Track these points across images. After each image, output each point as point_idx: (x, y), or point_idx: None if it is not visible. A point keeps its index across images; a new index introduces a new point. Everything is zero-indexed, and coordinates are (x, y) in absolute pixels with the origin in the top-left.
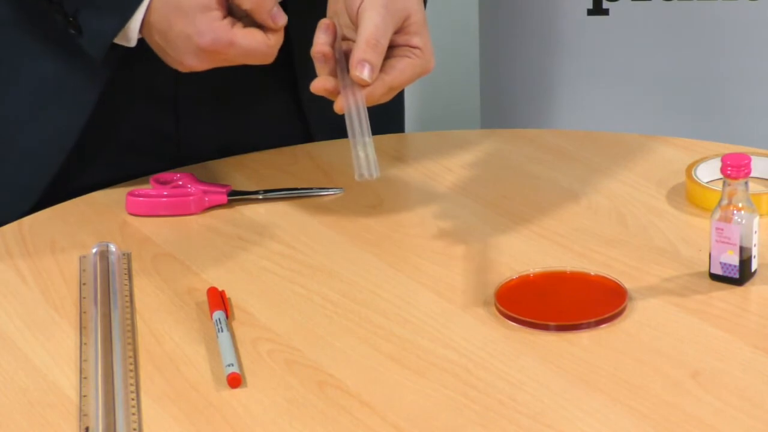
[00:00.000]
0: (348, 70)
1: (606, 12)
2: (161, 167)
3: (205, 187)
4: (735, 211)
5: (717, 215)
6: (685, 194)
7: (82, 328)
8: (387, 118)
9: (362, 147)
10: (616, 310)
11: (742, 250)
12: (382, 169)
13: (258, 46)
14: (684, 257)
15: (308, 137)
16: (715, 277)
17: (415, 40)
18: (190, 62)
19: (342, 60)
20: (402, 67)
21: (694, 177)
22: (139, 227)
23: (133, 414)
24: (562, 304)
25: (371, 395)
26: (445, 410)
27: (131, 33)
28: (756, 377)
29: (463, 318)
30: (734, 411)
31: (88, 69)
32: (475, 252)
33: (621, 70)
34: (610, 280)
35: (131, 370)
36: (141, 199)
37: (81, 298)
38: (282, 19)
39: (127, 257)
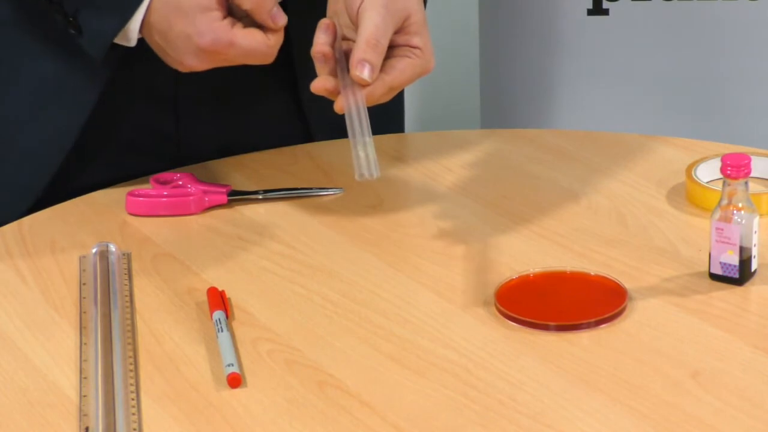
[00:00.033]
0: (348, 70)
1: (606, 12)
2: (161, 167)
3: (205, 187)
4: (735, 211)
5: (717, 215)
6: (685, 194)
7: (82, 328)
8: (387, 118)
9: (362, 147)
10: (616, 310)
11: (742, 250)
12: (382, 169)
13: (258, 46)
14: (684, 257)
15: (308, 137)
16: (715, 277)
17: (415, 40)
18: (190, 62)
19: (342, 60)
20: (402, 67)
21: (694, 177)
22: (139, 227)
23: (133, 414)
24: (562, 304)
25: (371, 395)
26: (445, 410)
27: (131, 33)
28: (756, 377)
29: (463, 318)
30: (734, 411)
31: (88, 69)
32: (475, 252)
33: (621, 70)
34: (610, 280)
35: (131, 370)
36: (141, 199)
37: (81, 298)
38: (282, 19)
39: (127, 257)
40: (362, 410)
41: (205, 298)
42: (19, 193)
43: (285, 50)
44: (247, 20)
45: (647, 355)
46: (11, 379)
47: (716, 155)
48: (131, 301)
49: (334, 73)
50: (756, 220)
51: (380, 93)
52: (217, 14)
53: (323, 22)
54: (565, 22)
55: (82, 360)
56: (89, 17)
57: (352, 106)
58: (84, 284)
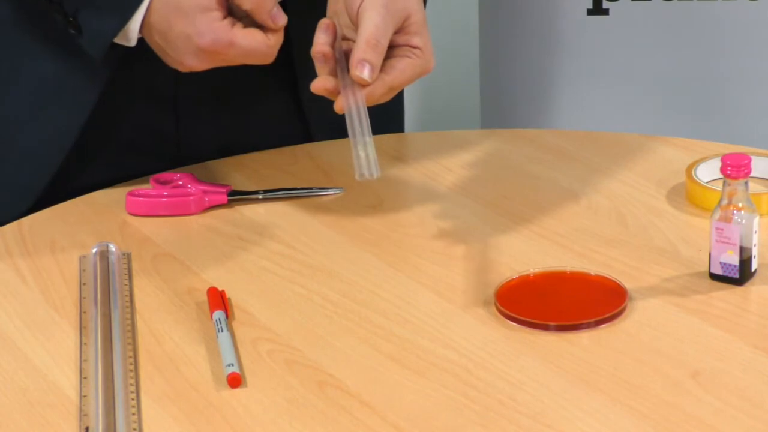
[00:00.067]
0: (348, 70)
1: (606, 12)
2: (161, 167)
3: (205, 187)
4: (735, 211)
5: (717, 215)
6: (685, 194)
7: (82, 328)
8: (387, 118)
9: (362, 147)
10: (616, 310)
11: (742, 250)
12: (382, 169)
13: (258, 46)
14: (684, 257)
15: (308, 137)
16: (715, 277)
17: (415, 40)
18: (190, 62)
19: (342, 60)
20: (402, 67)
21: (694, 177)
22: (139, 227)
23: (133, 414)
24: (562, 304)
25: (371, 395)
26: (445, 410)
27: (131, 33)
28: (756, 377)
29: (463, 318)
30: (734, 411)
31: (88, 69)
32: (475, 252)
33: (621, 70)
34: (610, 280)
35: (131, 370)
36: (141, 199)
37: (81, 298)
38: (282, 19)
39: (127, 257)
40: (362, 410)
41: (205, 298)
42: (19, 193)
43: (285, 50)
44: (247, 20)
45: (647, 355)
46: (11, 379)
47: (716, 155)
48: (131, 301)
49: (334, 73)
50: (756, 220)
51: (380, 93)
52: (217, 14)
53: (323, 22)
54: (565, 22)
55: (82, 360)
56: (89, 17)
57: (352, 106)
58: (84, 284)
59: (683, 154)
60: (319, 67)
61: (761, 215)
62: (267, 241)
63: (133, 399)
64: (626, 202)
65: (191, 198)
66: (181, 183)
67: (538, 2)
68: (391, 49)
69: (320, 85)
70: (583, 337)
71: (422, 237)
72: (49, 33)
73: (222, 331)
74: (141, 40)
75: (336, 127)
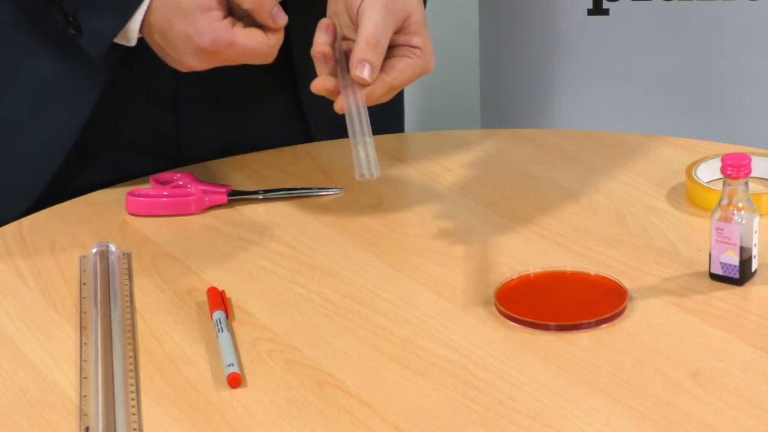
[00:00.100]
0: (348, 70)
1: (606, 12)
2: (161, 167)
3: (205, 187)
4: (735, 211)
5: (717, 215)
6: (685, 194)
7: (82, 328)
8: (387, 118)
9: (363, 146)
10: (616, 310)
11: (742, 250)
12: (382, 169)
13: (258, 46)
14: (684, 257)
15: (308, 137)
16: (715, 277)
17: (415, 40)
18: (190, 62)
19: (342, 60)
20: (402, 67)
21: (694, 177)
22: (139, 227)
23: (133, 414)
24: (562, 304)
25: (371, 395)
26: (445, 410)
27: (131, 33)
28: (756, 377)
29: (463, 318)
30: (734, 411)
31: (88, 69)
32: (475, 252)
33: (621, 70)
34: (610, 280)
35: (131, 370)
36: (141, 199)
37: (81, 298)
38: (282, 19)
39: (127, 257)
40: (362, 410)
41: (205, 298)
42: (19, 193)
43: (285, 50)
44: (248, 20)
45: (647, 355)
46: (11, 379)
47: (716, 155)
48: (131, 301)
49: (334, 73)
50: (756, 220)
51: (380, 93)
52: (218, 14)
53: (323, 22)
54: (565, 22)
55: (82, 360)
56: (89, 17)
57: (353, 106)
58: (84, 284)
59: (683, 154)
60: (319, 67)
61: (761, 215)
62: (267, 241)
63: (133, 399)
64: (626, 202)
65: (191, 198)
66: (181, 183)
67: (538, 2)
68: (391, 49)
69: (320, 85)
70: (583, 337)
71: (422, 237)
72: (49, 33)
73: (222, 331)
74: (141, 40)
75: (336, 127)
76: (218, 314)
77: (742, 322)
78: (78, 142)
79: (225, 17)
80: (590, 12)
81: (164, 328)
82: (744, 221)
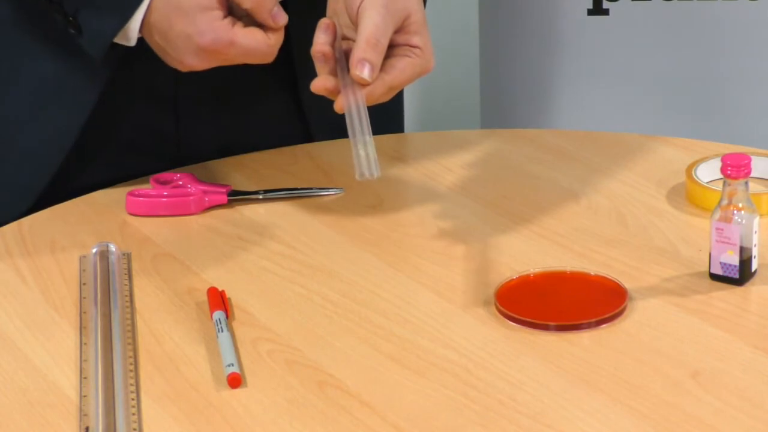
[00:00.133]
0: (348, 70)
1: (606, 12)
2: (161, 167)
3: (205, 187)
4: (735, 211)
5: (717, 215)
6: (685, 194)
7: (82, 328)
8: (387, 117)
9: (363, 146)
10: (616, 310)
11: (742, 250)
12: (382, 169)
13: (258, 45)
14: (684, 257)
15: (308, 137)
16: (715, 277)
17: (415, 40)
18: (190, 62)
19: (342, 59)
20: (402, 67)
21: (694, 177)
22: (139, 227)
23: (133, 414)
24: (562, 304)
25: (371, 395)
26: (445, 410)
27: (131, 33)
28: (756, 377)
29: (463, 318)
30: (734, 411)
31: (88, 69)
32: (475, 252)
33: (621, 70)
34: (610, 280)
35: (131, 370)
36: (141, 199)
37: (81, 298)
38: (282, 18)
39: (127, 257)
40: (362, 410)
41: (205, 298)
42: (19, 193)
43: (285, 50)
44: (248, 19)
45: (647, 355)
46: (11, 379)
47: (716, 155)
48: (131, 301)
49: (334, 73)
50: (756, 220)
51: (380, 92)
52: (218, 13)
53: (323, 22)
54: (565, 22)
55: (82, 360)
56: (89, 17)
57: (352, 106)
58: (84, 284)
59: (683, 154)
60: (319, 67)
61: (761, 215)
62: (267, 241)
63: (133, 399)
64: (626, 202)
65: (191, 198)
66: (181, 183)
67: (538, 2)
68: (391, 48)
69: (320, 84)
70: (583, 337)
71: (422, 237)
72: (49, 33)
73: (222, 331)
74: (141, 40)
75: (336, 127)
76: (218, 314)
77: (742, 322)
78: (78, 142)
79: (225, 17)
80: (590, 12)
81: (164, 328)
82: (744, 221)
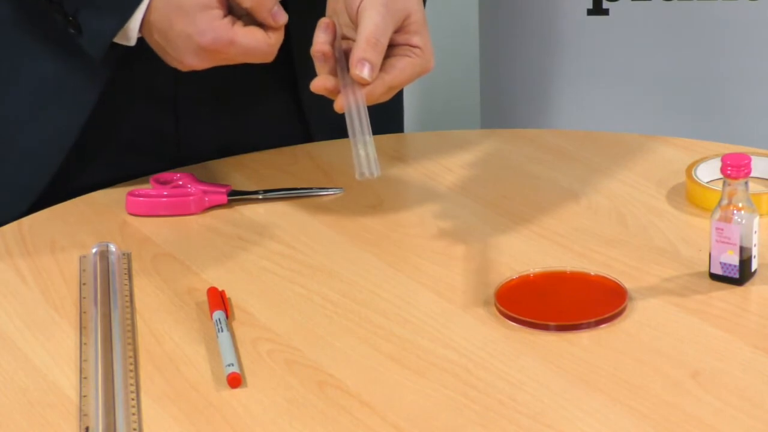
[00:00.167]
0: (348, 69)
1: (606, 12)
2: (161, 167)
3: (205, 187)
4: (735, 211)
5: (717, 215)
6: (685, 194)
7: (82, 328)
8: (386, 117)
9: (363, 146)
10: (616, 310)
11: (742, 250)
12: (382, 169)
13: (258, 44)
14: (684, 257)
15: (308, 137)
16: (715, 277)
17: (415, 40)
18: (190, 61)
19: (342, 59)
20: (402, 66)
21: (694, 177)
22: (139, 227)
23: (133, 414)
24: (562, 304)
25: (371, 395)
26: (445, 410)
27: (131, 32)
28: (756, 377)
29: (463, 318)
30: (734, 411)
31: (88, 69)
32: (475, 252)
33: (621, 70)
34: (610, 280)
35: (131, 370)
36: (141, 199)
37: (81, 298)
38: (282, 17)
39: (127, 257)
40: (362, 410)
41: (205, 298)
42: (19, 193)
43: (285, 49)
44: (248, 18)
45: (647, 355)
46: (11, 379)
47: (716, 155)
48: (131, 301)
49: (334, 73)
50: (756, 220)
51: (380, 92)
52: (218, 12)
53: (323, 21)
54: (565, 22)
55: (82, 360)
56: (89, 17)
57: (352, 105)
58: (84, 284)
59: (683, 154)
60: (319, 67)
61: (761, 215)
62: (267, 241)
63: (133, 399)
64: (626, 202)
65: (191, 198)
66: (181, 183)
67: (538, 2)
68: (391, 48)
69: (320, 84)
70: (583, 337)
71: (422, 237)
72: (49, 33)
73: (222, 331)
74: (141, 40)
75: (336, 127)
76: (218, 314)
77: (742, 322)
78: (78, 142)
79: (225, 16)
80: (590, 12)
81: (164, 328)
82: (744, 221)
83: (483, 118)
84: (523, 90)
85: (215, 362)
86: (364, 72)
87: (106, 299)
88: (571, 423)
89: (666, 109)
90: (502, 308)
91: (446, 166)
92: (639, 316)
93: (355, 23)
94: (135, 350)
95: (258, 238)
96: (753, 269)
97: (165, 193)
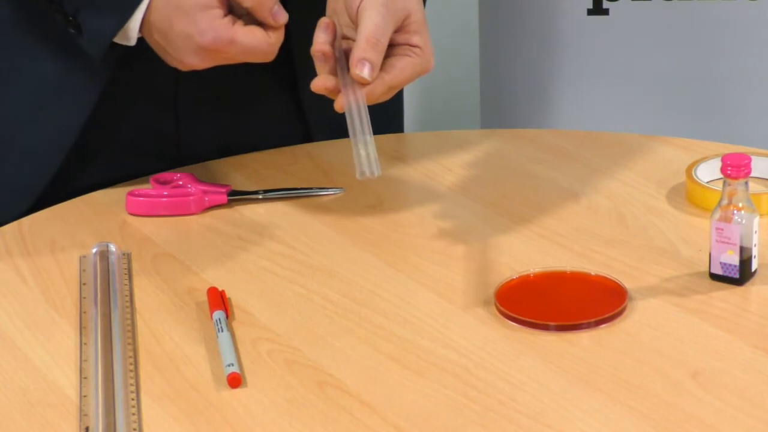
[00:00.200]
0: (348, 69)
1: (606, 12)
2: (161, 167)
3: (205, 187)
4: (735, 211)
5: (717, 215)
6: (685, 194)
7: (82, 328)
8: (386, 117)
9: (363, 145)
10: (616, 310)
11: (742, 250)
12: (382, 169)
13: (259, 44)
14: (684, 257)
15: (308, 137)
16: (715, 277)
17: (415, 39)
18: (190, 61)
19: (342, 59)
20: (402, 66)
21: (694, 177)
22: (139, 227)
23: (133, 414)
24: (562, 304)
25: (371, 395)
26: (445, 410)
27: (131, 32)
28: (756, 377)
29: (463, 318)
30: (734, 411)
31: (88, 69)
32: (475, 252)
33: (621, 70)
34: (610, 280)
35: (131, 370)
36: (141, 199)
37: (81, 298)
38: (283, 17)
39: (127, 257)
40: (362, 410)
41: (205, 298)
42: (19, 193)
43: (285, 49)
44: (248, 18)
45: (647, 355)
46: (11, 379)
47: (716, 155)
48: (131, 301)
49: (334, 72)
50: (756, 220)
51: (380, 92)
52: (218, 12)
53: (323, 21)
54: (565, 22)
55: (82, 360)
56: (89, 17)
57: (353, 105)
58: (84, 284)
59: (683, 154)
60: (319, 66)
61: (761, 215)
62: (267, 241)
63: (133, 399)
64: (626, 202)
65: (191, 198)
66: (181, 183)
67: (538, 2)
68: (391, 48)
69: (320, 84)
70: (583, 337)
71: (422, 237)
72: (49, 33)
73: (222, 331)
74: (141, 40)
75: (336, 127)
76: (218, 314)
77: (742, 322)
78: (78, 142)
79: (225, 15)
80: (590, 12)
81: (164, 328)
82: (744, 221)
83: (483, 118)
84: (523, 90)
85: (215, 362)
86: (365, 72)
87: (106, 299)
88: (571, 423)
89: (666, 109)
90: (502, 308)
91: (446, 166)
92: (639, 316)
93: (355, 23)
94: (135, 350)
95: (258, 238)
96: (753, 269)
97: (165, 193)
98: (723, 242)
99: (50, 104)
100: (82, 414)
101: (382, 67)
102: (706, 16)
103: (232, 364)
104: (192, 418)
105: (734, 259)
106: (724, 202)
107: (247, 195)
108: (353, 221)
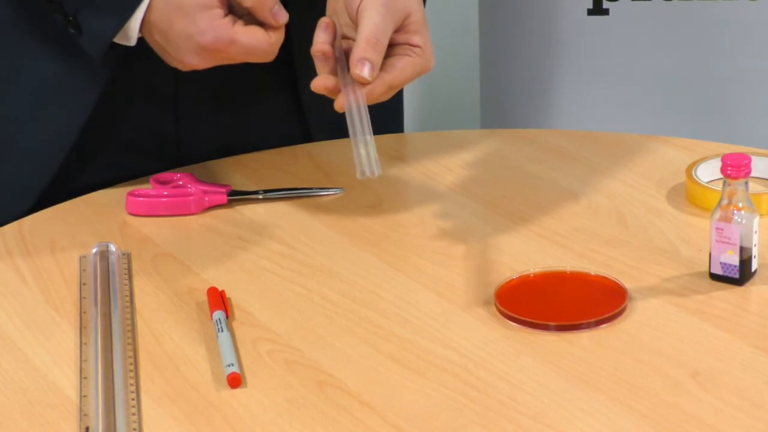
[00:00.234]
0: (348, 69)
1: (606, 12)
2: (161, 167)
3: (205, 187)
4: (735, 211)
5: (717, 215)
6: (685, 194)
7: (82, 328)
8: (386, 117)
9: (363, 145)
10: (616, 310)
11: (742, 250)
12: (382, 169)
13: (259, 44)
14: (684, 257)
15: (308, 137)
16: (715, 277)
17: (415, 39)
18: (190, 61)
19: (342, 59)
20: (402, 66)
21: (694, 177)
22: (139, 227)
23: (133, 414)
24: (562, 304)
25: (371, 395)
26: (445, 410)
27: (131, 32)
28: (756, 377)
29: (463, 318)
30: (734, 411)
31: (88, 69)
32: (475, 252)
33: (621, 70)
34: (610, 280)
35: (131, 370)
36: (141, 199)
37: (81, 298)
38: (283, 16)
39: (127, 257)
40: (362, 410)
41: (205, 298)
42: (19, 193)
43: (285, 49)
44: (248, 18)
45: (647, 355)
46: (11, 379)
47: (716, 155)
48: (131, 301)
49: (334, 72)
50: (756, 220)
51: (380, 92)
52: (218, 12)
53: (323, 21)
54: (565, 22)
55: (82, 360)
56: (89, 17)
57: (353, 105)
58: (84, 284)
59: (683, 154)
60: (319, 66)
61: (761, 215)
62: (267, 241)
63: (133, 399)
64: (626, 202)
65: (191, 198)
66: (181, 183)
67: (538, 2)
68: (391, 47)
69: (320, 83)
70: (583, 337)
71: (422, 237)
72: (49, 33)
73: (222, 331)
74: (141, 40)
75: (336, 127)
76: (218, 314)
77: (742, 322)
78: (78, 142)
79: (225, 15)
80: (590, 12)
81: (164, 328)
82: (744, 221)
83: (483, 118)
84: (523, 90)
85: (215, 362)
86: (365, 71)
87: (106, 299)
88: (571, 423)
89: (666, 109)
90: (502, 308)
91: (446, 166)
92: (639, 316)
93: (355, 23)
94: (135, 350)
95: (258, 238)
96: (753, 269)
97: (165, 193)
98: (723, 242)
99: (50, 104)
100: (82, 414)
101: (382, 66)
102: (706, 16)
103: (232, 364)
104: (192, 418)
105: (734, 259)
106: (724, 202)
107: (247, 195)
108: (353, 221)
